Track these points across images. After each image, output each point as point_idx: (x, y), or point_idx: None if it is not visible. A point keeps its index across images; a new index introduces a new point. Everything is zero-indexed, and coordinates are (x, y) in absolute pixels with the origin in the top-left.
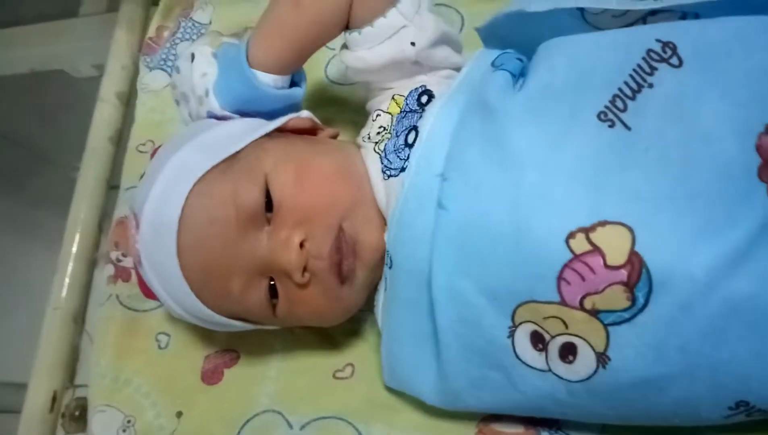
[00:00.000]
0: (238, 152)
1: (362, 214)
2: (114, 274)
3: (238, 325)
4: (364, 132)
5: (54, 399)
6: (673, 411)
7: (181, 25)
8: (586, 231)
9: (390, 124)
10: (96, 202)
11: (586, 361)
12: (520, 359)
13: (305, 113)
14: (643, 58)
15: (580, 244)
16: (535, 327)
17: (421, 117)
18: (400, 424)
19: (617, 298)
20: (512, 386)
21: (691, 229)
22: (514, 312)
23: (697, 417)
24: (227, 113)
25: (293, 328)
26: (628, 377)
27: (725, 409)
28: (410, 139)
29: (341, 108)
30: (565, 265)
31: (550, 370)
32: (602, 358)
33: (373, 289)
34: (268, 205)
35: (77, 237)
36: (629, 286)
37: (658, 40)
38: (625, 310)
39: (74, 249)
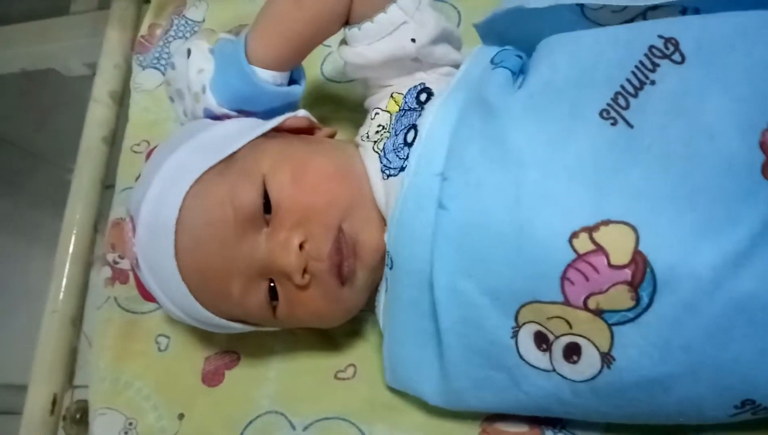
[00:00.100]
0: (235, 153)
1: (362, 215)
2: (111, 276)
3: (238, 327)
4: (363, 131)
5: (54, 402)
6: (678, 410)
7: (174, 23)
8: (590, 230)
9: (389, 123)
10: (91, 204)
11: (590, 361)
12: (523, 359)
13: (302, 112)
14: (645, 55)
15: (583, 244)
16: (539, 327)
17: (420, 115)
18: (403, 425)
19: (621, 297)
20: (516, 386)
21: (694, 227)
22: (518, 312)
23: (702, 416)
24: (225, 110)
25: (294, 329)
26: (633, 377)
27: (731, 408)
28: (409, 138)
29: (338, 106)
30: (569, 265)
31: (554, 370)
32: (607, 358)
33: (373, 290)
34: (267, 206)
35: (73, 238)
36: (633, 285)
37: (660, 36)
38: (629, 309)
39: (70, 251)
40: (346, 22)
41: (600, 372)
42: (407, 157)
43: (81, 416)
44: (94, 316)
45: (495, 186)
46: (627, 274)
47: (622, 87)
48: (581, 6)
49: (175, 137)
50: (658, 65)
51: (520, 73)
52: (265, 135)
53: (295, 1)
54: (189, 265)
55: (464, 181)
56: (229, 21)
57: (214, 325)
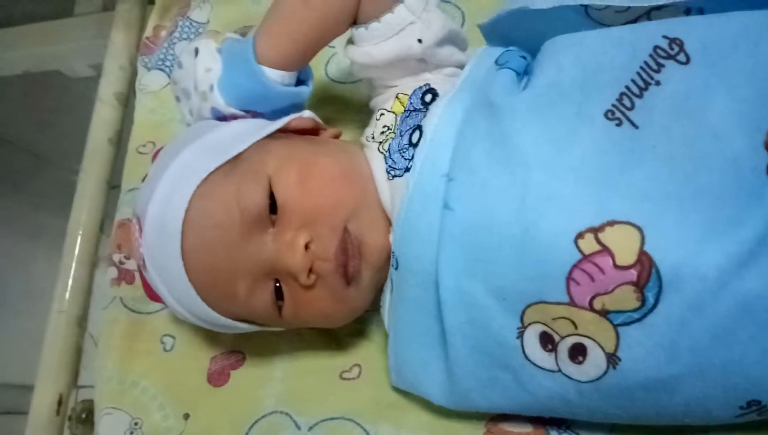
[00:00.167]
0: (240, 153)
1: (367, 215)
2: (117, 276)
3: (244, 327)
4: (368, 131)
5: (60, 402)
6: (683, 411)
7: (178, 24)
8: (595, 231)
9: (394, 124)
10: (97, 204)
11: (596, 361)
12: (529, 360)
13: (307, 113)
14: (650, 55)
15: (589, 245)
16: (545, 328)
17: (425, 116)
18: (408, 425)
19: (627, 298)
20: (521, 387)
21: (699, 227)
22: (523, 313)
23: (708, 417)
24: (232, 110)
25: (299, 329)
26: (639, 378)
27: (737, 409)
28: (414, 139)
29: (342, 107)
30: (574, 266)
31: (559, 370)
32: (612, 359)
33: (378, 290)
34: (272, 206)
35: (79, 239)
36: (639, 286)
37: (665, 37)
38: (635, 310)
39: (76, 251)
40: (354, 22)
41: (605, 372)
42: (412, 157)
43: (86, 416)
44: (100, 317)
45: (500, 187)
46: (632, 274)
47: (627, 88)
48: (585, 6)
49: (180, 138)
50: (662, 66)
51: (524, 73)
52: (270, 136)
53: (304, 1)
54: (196, 266)
55: (470, 182)
56: (234, 22)
57: (220, 325)
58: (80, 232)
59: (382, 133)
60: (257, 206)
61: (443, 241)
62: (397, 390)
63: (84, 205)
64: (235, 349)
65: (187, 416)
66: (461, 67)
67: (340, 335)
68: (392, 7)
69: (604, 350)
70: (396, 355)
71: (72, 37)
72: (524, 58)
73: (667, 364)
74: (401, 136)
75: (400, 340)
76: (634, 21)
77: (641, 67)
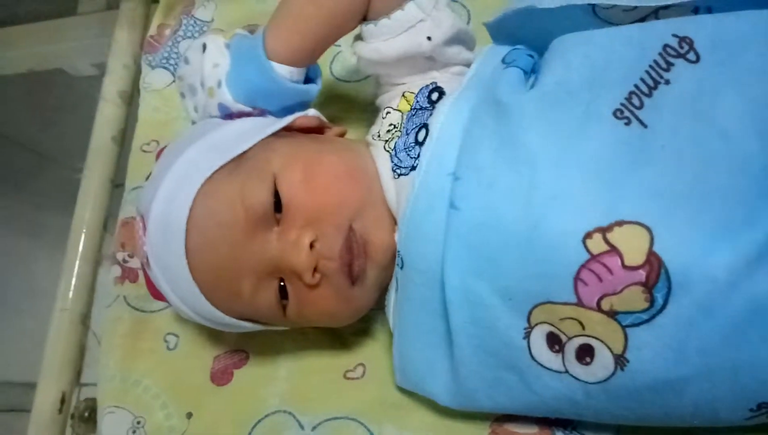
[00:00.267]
0: (245, 152)
1: (372, 214)
2: (121, 275)
3: (248, 326)
4: (374, 129)
5: (63, 400)
6: (692, 413)
7: (183, 22)
8: (603, 231)
9: (400, 122)
10: (101, 203)
11: (603, 362)
12: (535, 361)
13: (312, 111)
14: (660, 54)
15: (597, 245)
16: (552, 328)
17: (431, 114)
18: (413, 425)
19: (635, 299)
20: (527, 388)
21: (709, 228)
22: (530, 313)
23: (716, 419)
24: (240, 106)
25: (303, 328)
26: (647, 379)
27: (746, 411)
28: (420, 137)
29: (347, 105)
30: (582, 266)
31: (566, 371)
32: (620, 360)
33: (383, 289)
34: (277, 205)
35: (82, 237)
36: (648, 286)
37: (674, 35)
38: (643, 311)
39: (80, 249)
40: (363, 19)
41: (613, 374)
42: (418, 156)
43: (89, 414)
44: (103, 315)
45: (508, 186)
46: (641, 275)
47: (636, 86)
48: (593, 5)
49: (185, 137)
50: (672, 64)
51: (531, 72)
52: (275, 134)
53: None
54: (200, 265)
55: (476, 181)
56: (238, 20)
57: (224, 324)
58: (84, 230)
59: (388, 131)
60: (262, 205)
61: (449, 240)
62: (401, 390)
63: (87, 203)
64: (239, 348)
65: (190, 415)
66: (468, 65)
67: (345, 334)
68: (402, 5)
69: (611, 351)
70: (401, 354)
71: (75, 36)
72: (531, 56)
73: (675, 366)
74: (407, 134)
75: (405, 340)
76: (642, 20)
77: (650, 66)
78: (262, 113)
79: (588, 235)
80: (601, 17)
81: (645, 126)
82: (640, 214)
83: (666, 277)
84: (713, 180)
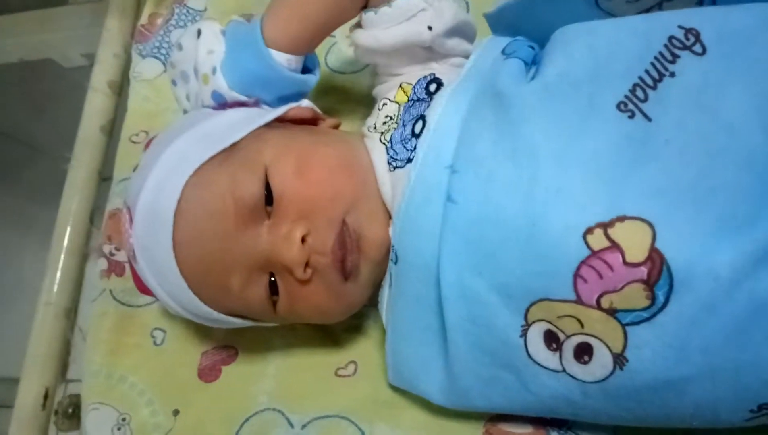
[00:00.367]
0: (236, 142)
1: (366, 208)
2: (107, 268)
3: (237, 323)
4: (370, 121)
5: (46, 396)
6: (691, 413)
7: (175, 11)
8: (605, 226)
9: (397, 114)
10: (88, 195)
11: (602, 361)
12: (532, 359)
13: (306, 102)
14: (665, 46)
15: (598, 240)
16: (549, 326)
17: (428, 106)
18: (405, 424)
19: (636, 296)
20: (524, 387)
21: (713, 224)
22: (528, 310)
23: (716, 420)
24: (235, 94)
25: (294, 324)
26: (647, 379)
27: (747, 412)
28: (417, 129)
29: (342, 97)
30: (582, 262)
31: (564, 370)
32: (619, 359)
33: (377, 285)
34: (268, 198)
35: (68, 230)
36: (649, 284)
37: (680, 27)
38: (644, 309)
39: (65, 243)
40: (364, 6)
41: (612, 373)
42: (415, 148)
43: (73, 411)
44: (89, 309)
45: (507, 179)
46: (643, 272)
47: (641, 79)
48: None
49: (175, 127)
50: (678, 56)
51: (532, 64)
52: (267, 125)
53: None
54: (187, 258)
55: (475, 174)
56: (232, 10)
57: (212, 319)
58: (70, 223)
59: (384, 123)
60: (252, 196)
61: (445, 235)
62: (393, 388)
63: (74, 195)
64: (227, 344)
65: (176, 412)
66: (467, 56)
67: (336, 331)
68: None
69: (611, 350)
70: (394, 352)
71: (66, 26)
72: (532, 48)
73: (676, 366)
74: (404, 126)
75: (399, 337)
76: (646, 12)
77: (655, 58)
78: (257, 103)
79: (589, 231)
80: (603, 9)
81: (649, 119)
82: (643, 209)
83: (668, 274)
84: (717, 175)
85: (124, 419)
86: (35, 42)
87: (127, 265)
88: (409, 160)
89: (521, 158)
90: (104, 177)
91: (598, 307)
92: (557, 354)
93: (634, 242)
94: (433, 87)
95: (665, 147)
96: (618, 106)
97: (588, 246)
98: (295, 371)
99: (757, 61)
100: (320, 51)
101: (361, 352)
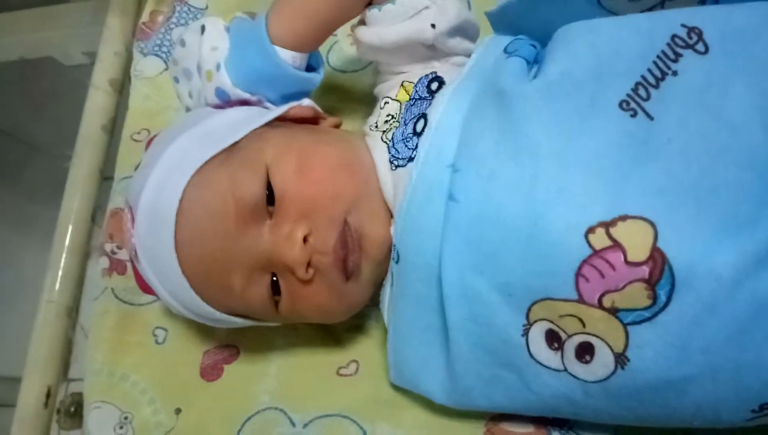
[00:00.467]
0: (237, 142)
1: (368, 207)
2: (109, 266)
3: (239, 322)
4: (372, 120)
5: (48, 395)
6: (693, 413)
7: (176, 9)
8: (607, 226)
9: (398, 112)
10: (89, 193)
11: (603, 361)
12: (534, 358)
13: (307, 101)
14: (668, 44)
15: (600, 240)
16: (551, 325)
17: (430, 104)
18: (406, 423)
19: (638, 296)
20: (525, 386)
21: (714, 224)
22: (529, 310)
23: (718, 420)
24: (239, 91)
25: (295, 324)
26: (648, 379)
27: (748, 412)
28: (419, 128)
29: (344, 96)
30: (584, 262)
31: (565, 369)
32: (621, 359)
33: (378, 285)
34: (270, 197)
35: (70, 229)
36: (651, 283)
37: (683, 25)
38: (645, 308)
39: (67, 241)
40: (368, 3)
41: (613, 373)
42: (416, 147)
43: (75, 409)
44: (91, 308)
45: (509, 178)
46: (644, 271)
47: (643, 77)
48: None
49: (176, 125)
50: (680, 55)
51: (534, 62)
52: (269, 124)
53: None
54: (189, 257)
55: (476, 173)
56: (233, 7)
57: (214, 319)
58: (71, 221)
59: (386, 121)
60: (253, 196)
61: (447, 234)
62: (395, 387)
63: (76, 193)
64: (229, 343)
65: (178, 411)
66: (469, 55)
67: (338, 330)
68: None
69: (612, 350)
70: (395, 351)
71: (67, 24)
72: (534, 46)
73: (677, 365)
74: (405, 124)
75: (400, 336)
76: (649, 10)
77: (658, 57)
78: (260, 100)
79: (591, 230)
80: (605, 7)
81: (651, 118)
82: (645, 208)
83: (669, 273)
84: (719, 174)
85: (126, 418)
86: (36, 40)
87: (128, 264)
88: (411, 159)
89: (523, 157)
90: (106, 175)
91: (600, 306)
92: (559, 353)
93: (635, 242)
94: (434, 85)
95: (667, 146)
96: (620, 105)
97: (590, 245)
98: (297, 370)
99: (760, 60)
100: (322, 50)
101: (363, 352)
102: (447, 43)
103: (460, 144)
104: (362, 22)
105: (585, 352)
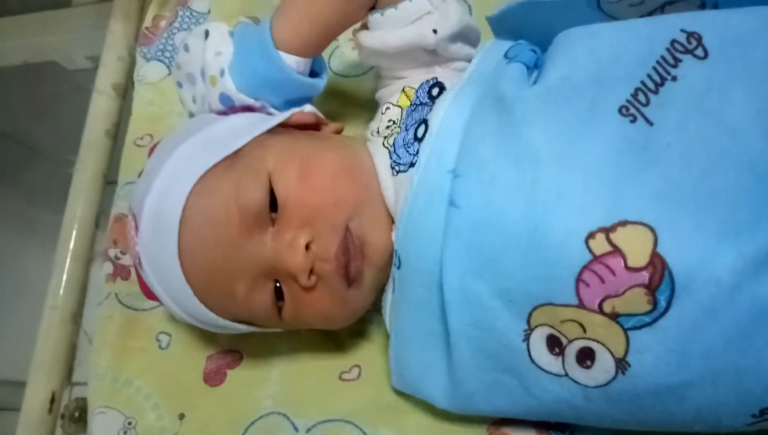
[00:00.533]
0: (240, 149)
1: (370, 213)
2: (113, 272)
3: (243, 329)
4: (373, 125)
5: (52, 400)
6: (693, 418)
7: (178, 14)
8: (607, 231)
9: (399, 118)
10: (93, 198)
11: (604, 366)
12: (535, 363)
13: (308, 107)
14: (667, 50)
15: (600, 245)
16: (552, 330)
17: (430, 110)
18: (409, 428)
19: (638, 301)
20: (526, 391)
21: (714, 229)
22: (530, 315)
23: (719, 424)
24: (243, 96)
25: (298, 329)
26: (649, 384)
27: (748, 417)
28: (420, 133)
29: (345, 101)
30: (584, 267)
31: (566, 375)
32: (621, 364)
33: (380, 290)
34: (272, 204)
35: (74, 233)
36: (651, 288)
37: (682, 30)
38: (646, 313)
39: (71, 246)
40: (372, 8)
41: (614, 378)
42: (417, 152)
43: (80, 414)
44: (95, 313)
45: (509, 184)
46: (644, 276)
47: (643, 83)
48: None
49: (179, 132)
50: (680, 60)
51: (534, 67)
52: (271, 131)
53: None
54: (192, 265)
55: (477, 179)
56: (235, 12)
57: (217, 326)
58: (75, 227)
59: (387, 127)
60: (256, 204)
61: (448, 240)
62: (397, 392)
63: (79, 198)
64: (232, 348)
65: (182, 416)
66: (470, 60)
67: (340, 336)
68: None
69: (613, 355)
70: (397, 356)
71: (70, 28)
72: (534, 51)
73: (678, 370)
74: (406, 130)
75: (402, 342)
76: (648, 15)
77: (657, 62)
78: (264, 106)
79: (591, 235)
80: (605, 12)
81: (651, 123)
82: (644, 214)
83: (669, 279)
84: (719, 179)
85: (130, 423)
86: (39, 44)
87: (132, 269)
88: (412, 165)
89: (523, 162)
90: (109, 180)
91: (601, 311)
92: (560, 358)
93: (635, 247)
94: (435, 91)
95: (667, 151)
96: (620, 111)
97: (590, 251)
98: (300, 375)
99: (760, 64)
100: (323, 54)
101: (365, 357)
102: (448, 49)
103: (461, 149)
104: (364, 27)
105: (586, 357)
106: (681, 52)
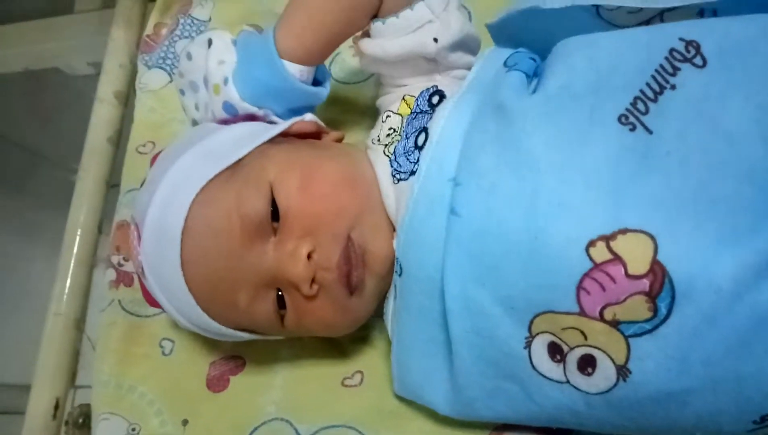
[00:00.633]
0: (241, 159)
1: (371, 222)
2: (116, 278)
3: (245, 336)
4: (374, 133)
5: (56, 406)
6: (694, 424)
7: (180, 22)
8: (607, 239)
9: (400, 126)
10: (96, 205)
11: (605, 373)
12: (536, 371)
13: (309, 116)
14: (666, 58)
15: (600, 253)
16: (553, 338)
17: (431, 118)
18: (411, 433)
19: (639, 308)
20: (528, 398)
21: (714, 236)
22: (531, 322)
23: (719, 431)
24: (246, 105)
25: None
26: (649, 391)
27: (749, 424)
28: (420, 142)
29: (346, 108)
30: (585, 275)
31: (568, 381)
32: (622, 371)
33: (382, 297)
34: (274, 214)
35: (77, 240)
36: (651, 296)
37: (681, 39)
38: (646, 321)
39: (74, 252)
40: (374, 16)
41: (615, 385)
42: (418, 160)
43: (84, 421)
44: (98, 319)
45: (510, 192)
46: (645, 284)
47: (642, 91)
48: (596, 7)
49: (180, 142)
50: (678, 69)
51: (534, 76)
52: (272, 140)
53: None
54: (195, 275)
55: (477, 187)
56: (236, 20)
57: (220, 334)
58: (78, 233)
59: (388, 135)
60: (258, 214)
61: (449, 248)
62: (400, 398)
63: (82, 205)
64: (235, 354)
65: (185, 422)
66: (470, 68)
67: (343, 342)
68: (412, 4)
69: (614, 362)
70: (399, 363)
71: (72, 35)
72: (533, 60)
73: (678, 377)
74: (407, 138)
75: (404, 349)
76: (647, 23)
77: (656, 71)
78: (267, 115)
79: (591, 243)
80: (605, 19)
81: (650, 132)
82: (644, 222)
83: (670, 286)
84: (719, 187)
85: (134, 429)
86: (41, 51)
87: (135, 276)
88: (413, 173)
89: (523, 171)
90: (112, 185)
91: (601, 319)
92: (561, 365)
93: (635, 255)
94: (435, 99)
95: (666, 159)
96: (619, 119)
97: (590, 259)
98: (303, 381)
99: (758, 73)
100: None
101: (368, 363)
102: (449, 57)
103: (461, 157)
104: (366, 34)
105: (587, 364)
106: (680, 60)
